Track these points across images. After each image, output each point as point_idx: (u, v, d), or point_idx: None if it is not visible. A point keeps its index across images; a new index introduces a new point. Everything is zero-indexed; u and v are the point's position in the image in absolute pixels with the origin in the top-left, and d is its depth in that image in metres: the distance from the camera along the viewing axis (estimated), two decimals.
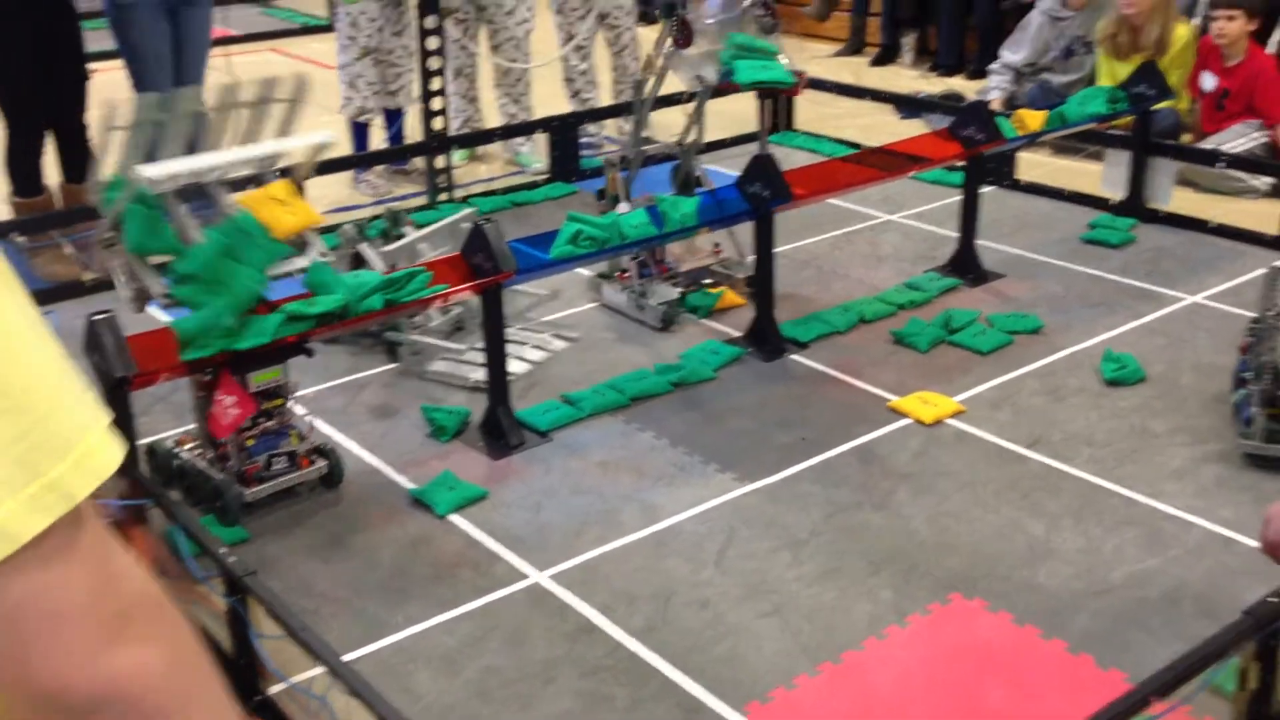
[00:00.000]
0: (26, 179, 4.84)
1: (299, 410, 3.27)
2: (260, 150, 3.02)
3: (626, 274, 4.33)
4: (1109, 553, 2.98)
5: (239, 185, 3.10)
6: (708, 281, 4.50)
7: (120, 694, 0.79)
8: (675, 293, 4.30)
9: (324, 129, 3.33)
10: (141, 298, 2.97)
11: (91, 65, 4.99)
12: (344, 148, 5.87)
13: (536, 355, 4.03)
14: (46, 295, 4.64)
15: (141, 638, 0.81)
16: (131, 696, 0.80)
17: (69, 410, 0.79)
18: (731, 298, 4.39)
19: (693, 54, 4.04)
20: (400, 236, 4.24)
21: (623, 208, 4.04)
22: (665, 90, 6.39)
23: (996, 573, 2.92)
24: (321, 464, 3.27)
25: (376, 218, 4.47)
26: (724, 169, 5.73)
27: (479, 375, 3.67)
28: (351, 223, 4.29)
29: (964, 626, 2.74)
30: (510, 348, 3.65)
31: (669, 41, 4.07)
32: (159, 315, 3.61)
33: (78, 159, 4.93)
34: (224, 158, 2.95)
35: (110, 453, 0.80)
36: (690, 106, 4.40)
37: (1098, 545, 3.01)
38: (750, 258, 4.19)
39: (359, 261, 3.94)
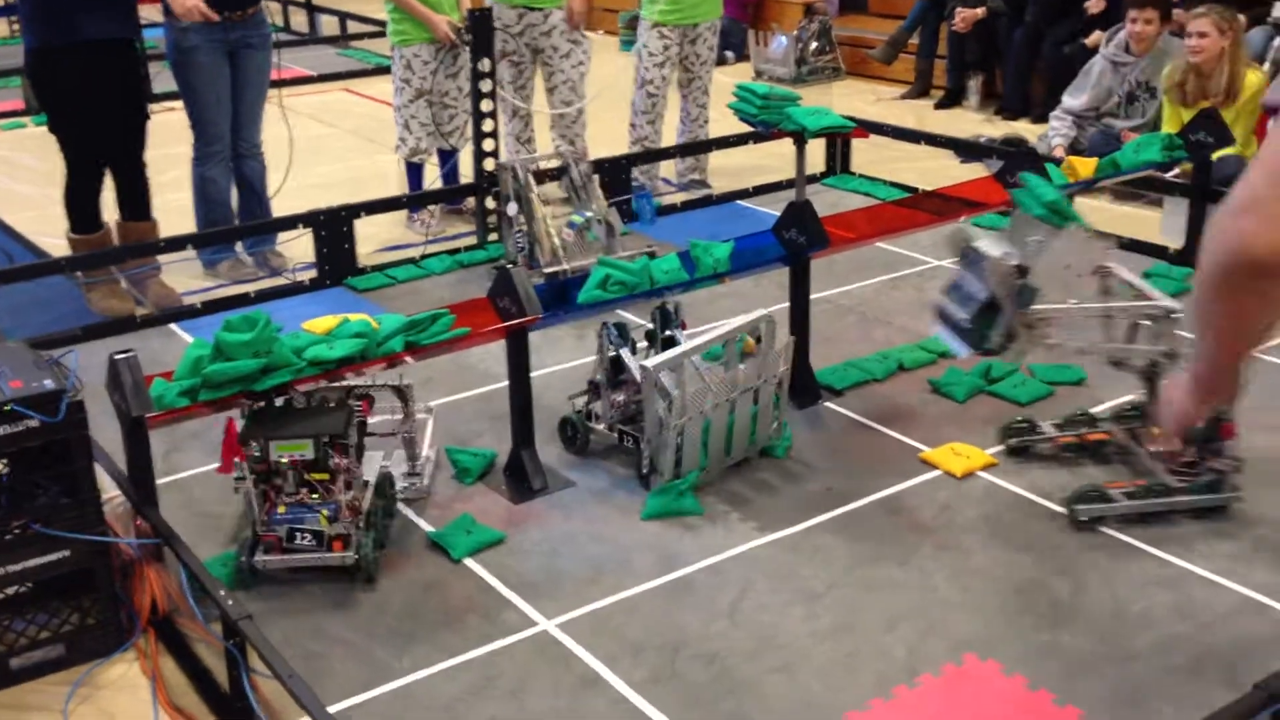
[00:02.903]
0: (85, 216, 4.96)
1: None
2: None
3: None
4: (1135, 616, 2.88)
5: None
6: None
7: None
8: None
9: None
10: None
11: (151, 105, 5.12)
12: (399, 187, 5.95)
13: None
14: (101, 329, 4.76)
15: None
16: None
17: None
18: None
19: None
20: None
21: (512, 207, 4.16)
22: (722, 132, 6.44)
23: (1015, 634, 2.84)
24: (349, 555, 3.05)
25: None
26: (774, 211, 5.71)
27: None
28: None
29: (976, 689, 2.66)
30: None
31: None
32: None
33: (136, 197, 5.06)
34: None
35: None
36: None
37: (1124, 608, 2.91)
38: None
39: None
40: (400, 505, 3.43)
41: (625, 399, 3.64)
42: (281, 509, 3.07)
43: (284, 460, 3.02)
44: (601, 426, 3.68)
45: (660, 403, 3.36)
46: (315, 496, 3.07)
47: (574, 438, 3.71)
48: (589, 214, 4.89)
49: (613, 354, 3.62)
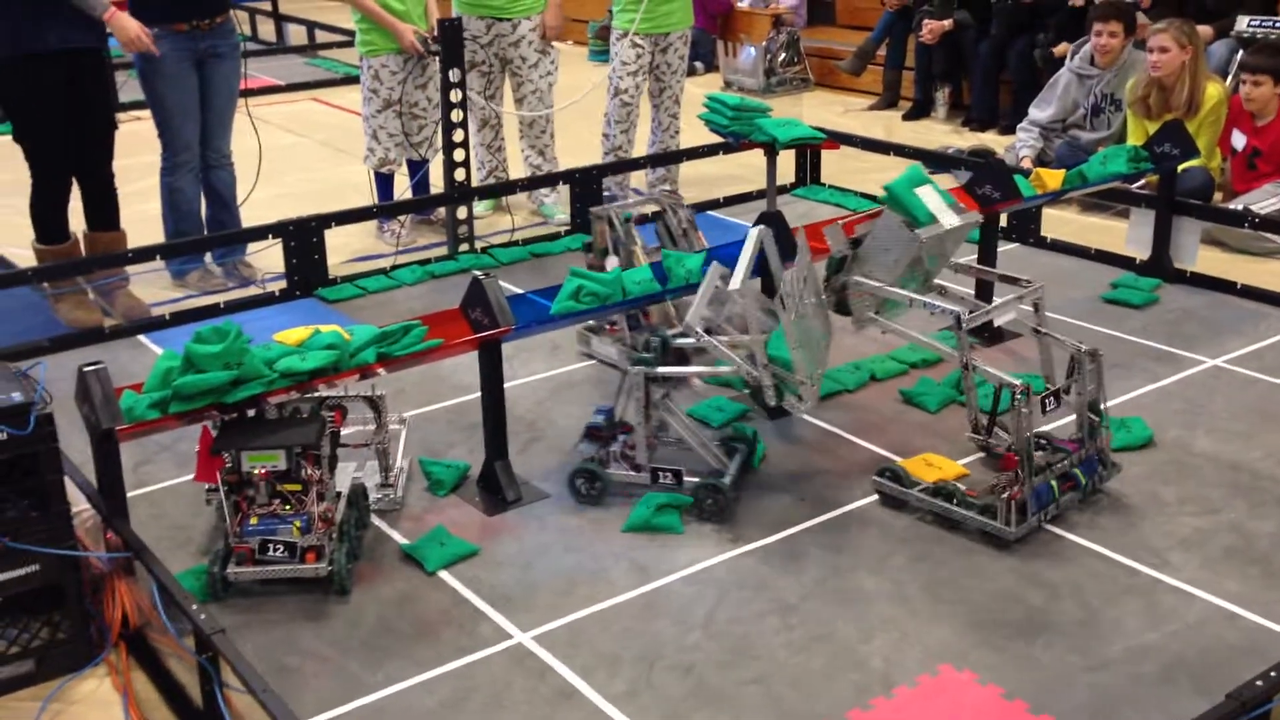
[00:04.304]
0: (52, 226, 4.90)
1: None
2: None
3: (616, 326, 4.13)
4: (1107, 625, 2.90)
5: None
6: None
7: None
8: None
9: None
10: None
11: (119, 115, 5.07)
12: (369, 197, 5.93)
13: None
14: (69, 340, 4.71)
15: None
16: None
17: None
18: None
19: None
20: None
21: (611, 262, 4.00)
22: (692, 142, 6.46)
23: (990, 643, 2.85)
24: (322, 567, 3.03)
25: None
26: (745, 222, 5.72)
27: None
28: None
29: (952, 700, 2.67)
30: None
31: None
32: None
33: (103, 207, 5.01)
34: None
35: None
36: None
37: (1096, 617, 2.93)
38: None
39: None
40: (373, 517, 3.41)
41: (652, 438, 3.47)
42: (254, 520, 3.04)
43: (256, 471, 3.00)
44: (622, 469, 3.49)
45: (760, 315, 3.26)
46: (288, 508, 3.05)
47: (591, 490, 3.49)
48: None
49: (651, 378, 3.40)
